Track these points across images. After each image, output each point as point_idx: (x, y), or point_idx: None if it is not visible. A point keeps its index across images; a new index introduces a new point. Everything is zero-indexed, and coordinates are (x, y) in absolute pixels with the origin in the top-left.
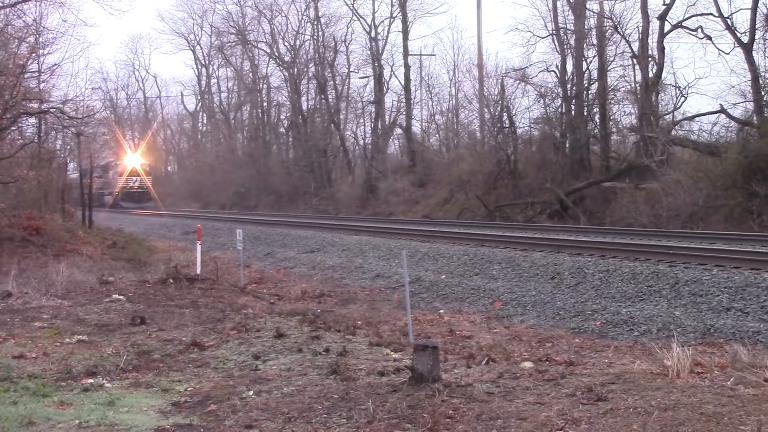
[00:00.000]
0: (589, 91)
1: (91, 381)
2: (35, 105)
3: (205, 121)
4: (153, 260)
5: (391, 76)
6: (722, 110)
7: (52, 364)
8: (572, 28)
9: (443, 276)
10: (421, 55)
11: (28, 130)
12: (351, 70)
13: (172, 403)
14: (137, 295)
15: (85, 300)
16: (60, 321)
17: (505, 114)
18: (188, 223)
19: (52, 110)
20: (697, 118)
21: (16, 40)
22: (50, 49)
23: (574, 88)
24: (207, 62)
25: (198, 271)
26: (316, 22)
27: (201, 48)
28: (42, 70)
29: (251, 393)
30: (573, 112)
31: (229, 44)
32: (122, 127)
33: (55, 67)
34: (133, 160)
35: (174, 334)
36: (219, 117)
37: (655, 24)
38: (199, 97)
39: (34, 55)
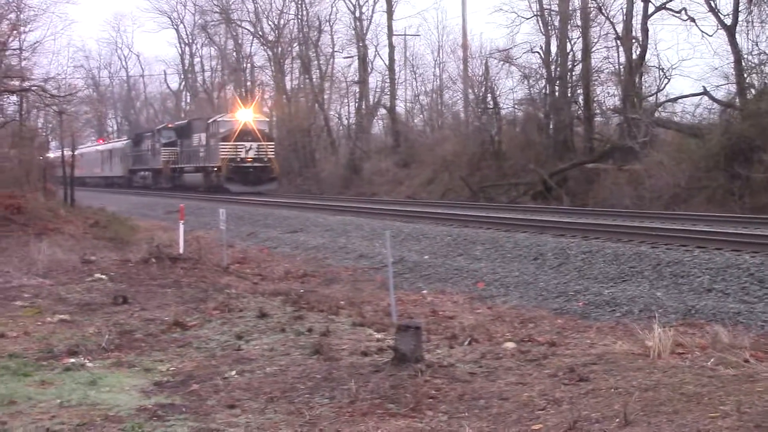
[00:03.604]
0: (573, 73)
1: (72, 360)
2: (16, 83)
3: (188, 100)
4: (135, 239)
5: (375, 56)
6: (705, 92)
7: (34, 344)
8: (556, 9)
9: (426, 256)
10: (405, 35)
11: (10, 108)
12: (335, 49)
13: (155, 382)
14: (119, 274)
15: (67, 279)
16: (41, 300)
17: (489, 95)
18: (171, 203)
19: (33, 88)
20: (680, 100)
21: None
22: (32, 27)
23: (558, 69)
24: (190, 41)
25: (181, 250)
26: (300, 1)
27: (184, 26)
28: (23, 48)
29: (234, 373)
30: (557, 94)
31: (213, 23)
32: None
33: (36, 45)
34: (246, 117)
35: (156, 313)
36: (202, 96)
37: (639, 5)
38: (182, 76)
39: (15, 32)
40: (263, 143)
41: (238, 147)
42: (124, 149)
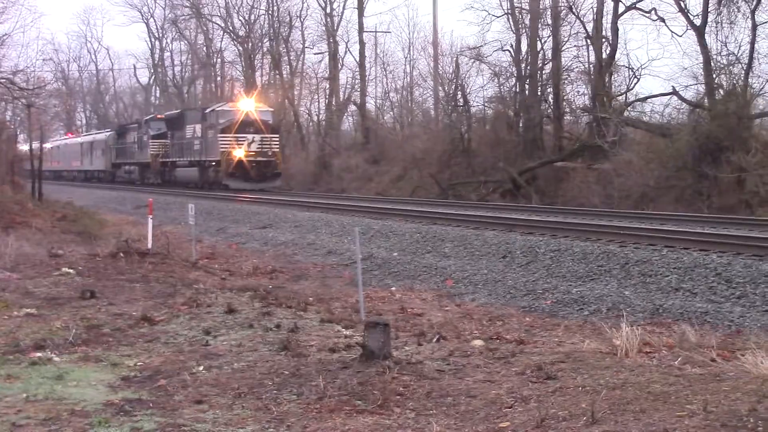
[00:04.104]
0: (543, 71)
1: (39, 355)
2: None
3: (158, 95)
4: (104, 234)
5: (345, 53)
6: (674, 92)
7: (0, 338)
8: (527, 7)
9: (395, 253)
10: (376, 32)
11: None
12: (306, 46)
13: (122, 377)
14: (87, 268)
15: (34, 273)
16: (8, 294)
17: (459, 92)
18: (140, 197)
19: (1, 81)
20: (649, 100)
21: None
22: (0, 19)
23: (529, 67)
24: (160, 35)
25: (149, 245)
26: None
27: (154, 20)
28: None
29: (201, 368)
30: (527, 92)
31: (183, 17)
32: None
33: (5, 37)
34: (248, 107)
35: (124, 308)
36: (172, 90)
37: (609, 5)
38: (152, 71)
39: None
40: (267, 135)
41: (240, 139)
42: (107, 141)
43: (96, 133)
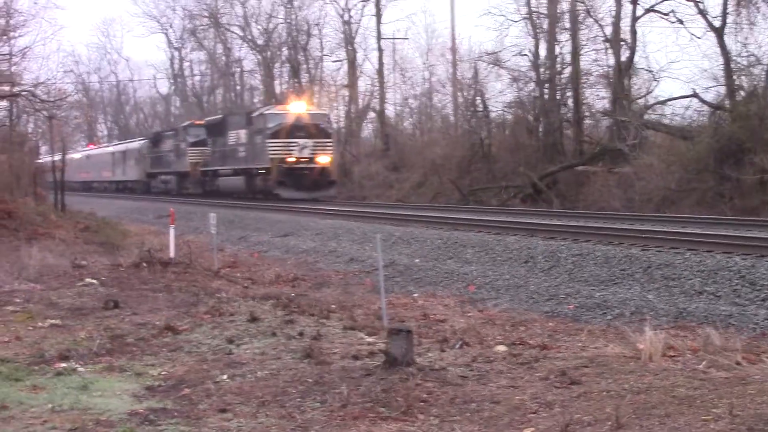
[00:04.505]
0: (562, 75)
1: (64, 365)
2: (6, 88)
3: (178, 105)
4: (126, 244)
5: (364, 60)
6: (694, 94)
7: (25, 348)
8: (545, 11)
9: (417, 260)
10: (394, 38)
11: (0, 113)
12: (324, 53)
13: (146, 387)
14: (110, 279)
15: (58, 284)
16: (32, 305)
17: (478, 98)
18: (161, 207)
19: (23, 93)
20: (669, 102)
21: None
22: (21, 32)
23: (547, 72)
24: (180, 45)
25: (171, 254)
26: (288, 5)
27: (173, 31)
28: (13, 53)
29: (225, 377)
30: (546, 96)
31: (202, 27)
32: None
33: (26, 50)
34: (299, 109)
35: (147, 318)
36: (192, 100)
37: (627, 8)
38: (171, 81)
39: (4, 37)
40: (320, 140)
41: (291, 145)
42: (141, 150)
43: (128, 142)
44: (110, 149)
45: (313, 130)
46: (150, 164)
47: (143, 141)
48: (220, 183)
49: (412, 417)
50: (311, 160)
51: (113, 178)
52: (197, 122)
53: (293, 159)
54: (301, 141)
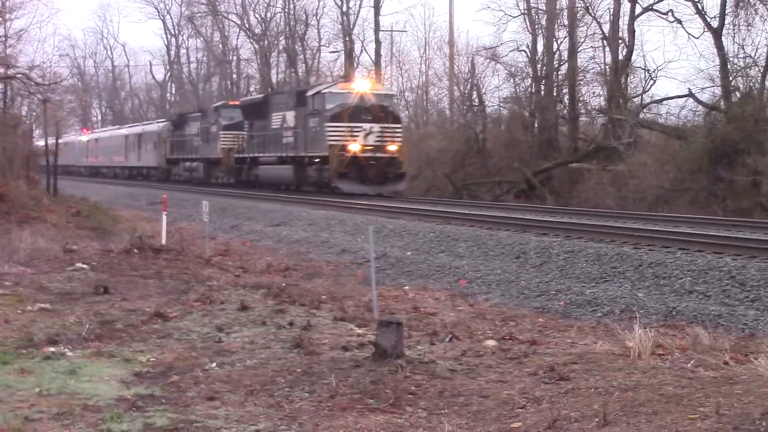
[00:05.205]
0: (559, 72)
1: (52, 349)
2: (1, 70)
3: (173, 92)
4: (118, 230)
5: (361, 52)
6: (690, 94)
7: (14, 332)
8: (544, 8)
9: (409, 252)
10: (392, 31)
11: None
12: (321, 44)
13: (134, 373)
14: (101, 264)
15: (49, 268)
16: (22, 288)
17: (474, 92)
18: (154, 193)
19: (18, 76)
20: (665, 102)
21: None
22: (17, 14)
23: (544, 68)
24: (177, 32)
25: (163, 241)
26: None
27: (171, 17)
28: (8, 35)
29: (214, 365)
30: (542, 93)
31: (200, 14)
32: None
33: (22, 33)
34: (363, 88)
35: (137, 304)
36: (188, 87)
37: (626, 6)
38: (167, 67)
39: (0, 19)
40: (389, 125)
41: (355, 130)
42: (160, 133)
43: (145, 124)
44: (123, 131)
45: (380, 112)
46: (171, 149)
47: (163, 123)
48: (261, 172)
49: (400, 409)
50: (379, 148)
51: (126, 164)
52: (231, 102)
53: (358, 147)
54: (366, 125)
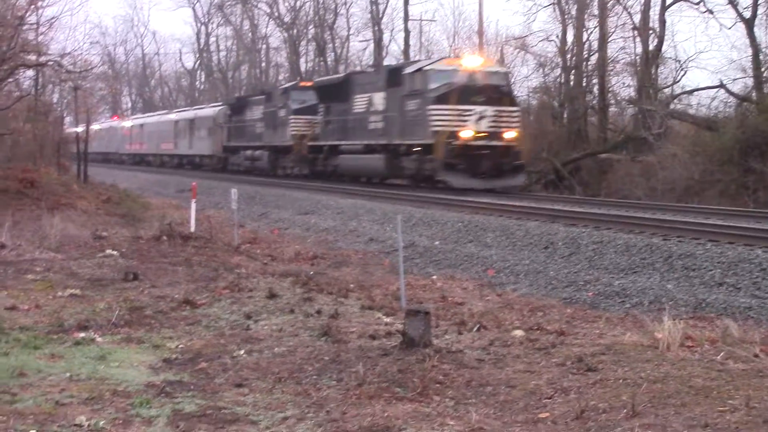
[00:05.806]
0: (589, 62)
1: (82, 335)
2: (33, 57)
3: (203, 80)
4: (147, 217)
5: (390, 41)
6: (721, 85)
7: (44, 317)
8: None
9: (437, 242)
10: (421, 20)
11: (25, 82)
12: (350, 33)
13: (163, 359)
14: (131, 251)
15: (79, 254)
16: (53, 274)
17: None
18: (183, 181)
19: (49, 63)
20: (696, 93)
21: None
22: (49, 2)
23: (574, 58)
24: (206, 20)
25: (192, 229)
26: None
27: (201, 5)
28: (40, 23)
29: (242, 352)
30: (572, 83)
31: (229, 3)
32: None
33: (53, 20)
34: (474, 64)
35: (166, 291)
36: (217, 76)
37: None
38: (197, 55)
39: (32, 7)
40: (504, 108)
41: (466, 114)
42: (216, 118)
43: (198, 108)
44: (172, 116)
45: (494, 93)
46: (229, 136)
47: (220, 107)
48: (342, 162)
49: (427, 398)
50: (494, 135)
51: (176, 151)
52: (303, 83)
53: (470, 133)
54: (478, 108)
